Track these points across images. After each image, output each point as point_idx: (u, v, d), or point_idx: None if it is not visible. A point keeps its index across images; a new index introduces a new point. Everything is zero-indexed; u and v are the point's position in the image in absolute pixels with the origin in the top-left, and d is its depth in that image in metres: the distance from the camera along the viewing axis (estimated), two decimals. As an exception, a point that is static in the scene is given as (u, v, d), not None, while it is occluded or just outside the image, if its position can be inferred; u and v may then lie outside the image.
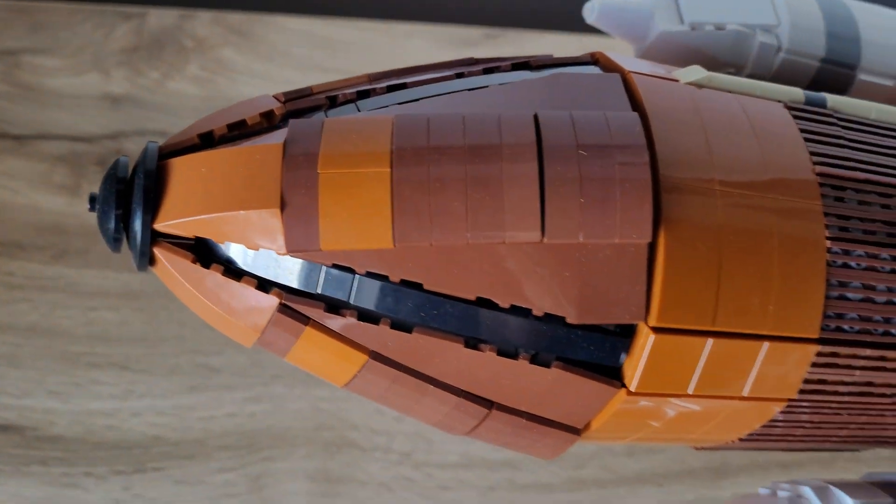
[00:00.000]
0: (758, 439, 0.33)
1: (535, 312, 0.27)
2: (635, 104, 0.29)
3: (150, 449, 0.57)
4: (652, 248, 0.27)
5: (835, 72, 0.40)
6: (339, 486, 0.58)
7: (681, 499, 0.61)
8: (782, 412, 0.31)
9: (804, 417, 0.32)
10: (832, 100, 0.33)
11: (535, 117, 0.27)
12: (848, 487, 0.34)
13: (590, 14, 0.38)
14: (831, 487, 0.34)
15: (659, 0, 0.39)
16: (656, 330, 0.27)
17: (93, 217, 0.61)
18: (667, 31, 0.38)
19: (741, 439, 0.33)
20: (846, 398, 0.31)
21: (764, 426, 0.32)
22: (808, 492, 0.34)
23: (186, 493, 0.57)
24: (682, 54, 0.37)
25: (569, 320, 0.27)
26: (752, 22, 0.39)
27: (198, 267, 0.27)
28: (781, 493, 0.35)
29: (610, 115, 0.27)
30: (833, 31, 0.40)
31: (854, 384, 0.31)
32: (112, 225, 0.28)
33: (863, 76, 0.40)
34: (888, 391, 0.32)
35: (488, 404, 0.29)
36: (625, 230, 0.26)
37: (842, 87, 0.40)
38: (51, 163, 0.63)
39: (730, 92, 0.31)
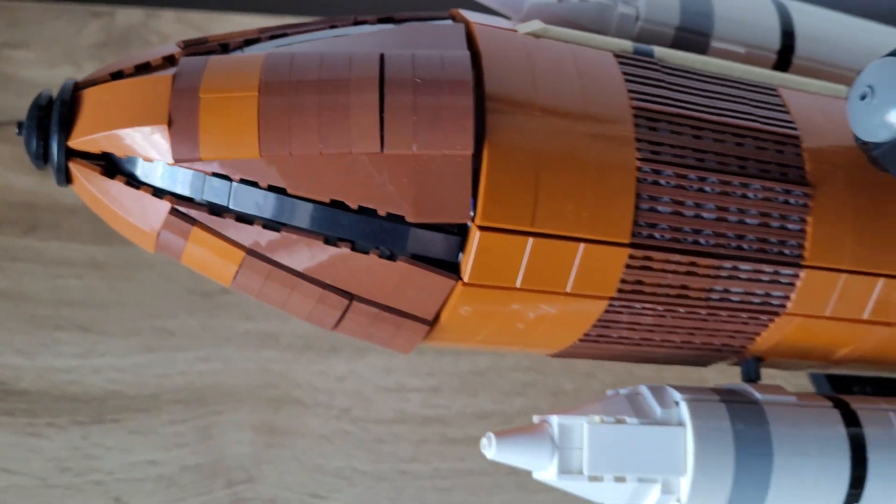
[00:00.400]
0: (599, 340, 0.38)
1: (380, 212, 0.32)
2: (474, 48, 0.34)
3: (108, 402, 0.62)
4: (478, 159, 0.32)
5: (690, 39, 0.45)
6: (281, 438, 0.63)
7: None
8: (610, 311, 0.36)
9: (634, 319, 0.37)
10: (660, 51, 0.38)
11: (381, 56, 0.32)
12: (680, 387, 0.39)
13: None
14: (665, 386, 0.39)
15: (532, -24, 0.45)
16: (482, 228, 0.32)
17: (62, 194, 0.66)
18: (537, 3, 0.44)
19: (582, 340, 0.38)
20: (666, 300, 0.36)
21: (599, 327, 0.37)
22: (644, 389, 0.39)
23: (140, 442, 0.62)
24: (551, 24, 0.43)
25: (407, 219, 0.32)
26: None
27: (105, 178, 0.33)
28: (622, 391, 0.40)
29: (445, 54, 0.33)
30: (686, 4, 0.46)
31: (670, 286, 0.36)
32: (34, 145, 0.33)
33: (716, 43, 0.46)
34: (703, 295, 0.37)
35: (348, 296, 0.34)
36: (450, 143, 0.31)
37: (698, 52, 0.46)
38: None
39: (565, 42, 0.37)
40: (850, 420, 0.41)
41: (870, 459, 0.40)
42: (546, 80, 0.34)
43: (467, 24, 0.35)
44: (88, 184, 0.33)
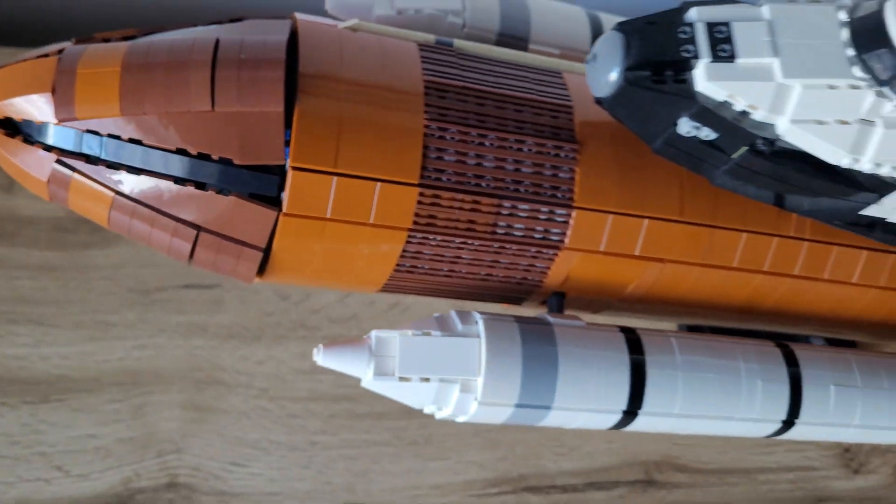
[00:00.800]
0: (413, 271, 0.46)
1: (213, 157, 0.41)
2: (295, 37, 0.44)
3: (55, 385, 0.71)
4: (292, 116, 0.41)
5: (510, 42, 0.55)
6: (206, 415, 0.71)
7: (493, 426, 0.73)
8: (411, 242, 0.44)
9: (436, 251, 0.45)
10: (458, 43, 0.48)
11: (217, 40, 0.42)
12: (484, 312, 0.47)
13: (328, 4, 0.54)
14: (472, 311, 0.48)
15: (379, -8, 0.55)
16: (294, 168, 0.41)
17: (21, 207, 0.76)
18: (380, 14, 0.54)
19: (397, 271, 0.46)
20: (458, 232, 0.45)
21: (407, 257, 0.45)
22: (452, 312, 0.48)
23: (81, 419, 0.70)
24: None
25: (235, 161, 0.41)
26: (443, 7, 0.55)
27: (5, 137, 0.42)
28: (436, 315, 0.48)
29: (268, 38, 0.42)
30: (506, 14, 0.56)
31: (459, 221, 0.45)
32: None
33: (533, 46, 0.56)
34: (489, 230, 0.45)
35: (196, 227, 0.43)
36: (265, 103, 0.40)
37: (517, 52, 0.55)
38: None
39: (378, 35, 0.47)
40: (635, 345, 0.49)
41: (648, 374, 0.48)
42: (352, 59, 0.44)
43: (294, 20, 0.45)
44: None
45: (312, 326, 0.75)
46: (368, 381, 0.45)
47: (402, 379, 0.45)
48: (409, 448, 0.71)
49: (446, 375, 0.45)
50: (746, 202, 0.48)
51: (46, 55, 0.43)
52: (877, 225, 0.47)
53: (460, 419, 0.47)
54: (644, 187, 0.47)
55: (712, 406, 0.49)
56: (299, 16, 0.46)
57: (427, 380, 0.45)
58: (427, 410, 0.47)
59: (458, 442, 0.72)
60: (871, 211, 0.46)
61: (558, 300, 0.50)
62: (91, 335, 0.72)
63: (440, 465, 0.71)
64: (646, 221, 0.47)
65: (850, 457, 0.76)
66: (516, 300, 0.51)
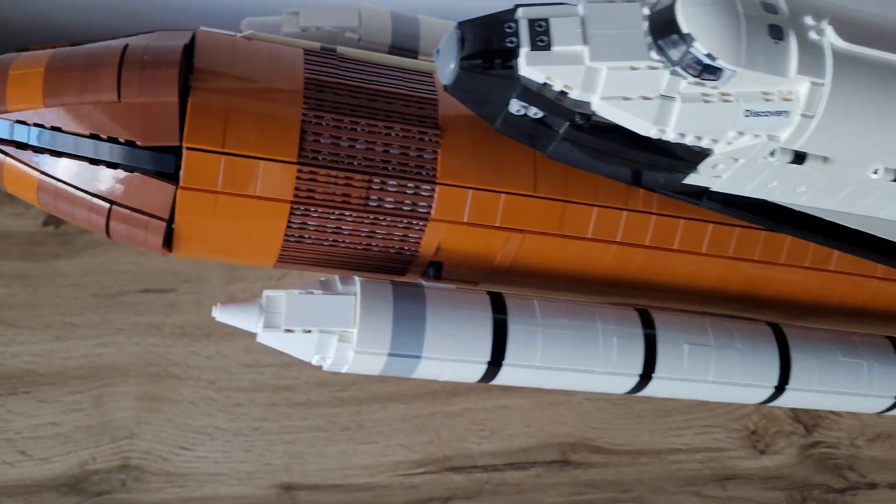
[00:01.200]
0: (300, 242, 0.54)
1: (120, 139, 0.49)
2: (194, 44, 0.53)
3: (23, 378, 0.78)
4: (185, 105, 0.50)
5: (402, 54, 0.64)
6: (158, 404, 0.78)
7: (420, 412, 0.80)
8: (295, 214, 0.52)
9: (319, 222, 0.52)
10: (342, 49, 0.56)
11: (126, 45, 0.51)
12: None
13: (243, 24, 0.63)
14: (354, 276, 0.55)
15: (286, 16, 0.64)
16: (186, 148, 0.49)
17: (-2, 222, 0.84)
18: (287, 31, 0.63)
19: (287, 241, 0.53)
20: (335, 205, 0.52)
21: (294, 228, 0.53)
22: (335, 277, 0.55)
23: (44, 409, 0.77)
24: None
25: (139, 143, 0.49)
26: (342, 25, 0.63)
27: None
28: (322, 279, 0.55)
29: (169, 44, 0.51)
30: (397, 30, 0.64)
31: (335, 195, 0.52)
32: None
33: (422, 57, 0.64)
34: (362, 203, 0.53)
35: (109, 202, 0.51)
36: (162, 95, 0.49)
37: (411, 65, 0.64)
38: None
39: (270, 43, 0.55)
40: (499, 305, 0.56)
41: (509, 329, 0.55)
42: (242, 61, 0.52)
43: (196, 31, 0.53)
44: None
45: (258, 325, 0.82)
46: (260, 334, 0.53)
47: (287, 331, 0.52)
48: (341, 433, 0.78)
49: (325, 327, 0.52)
50: (597, 180, 0.55)
51: None
52: (703, 194, 0.54)
53: (343, 369, 0.54)
54: (501, 166, 0.55)
55: (570, 359, 0.56)
56: (203, 28, 0.54)
57: (309, 332, 0.52)
58: (314, 362, 0.54)
59: (386, 427, 0.78)
60: (692, 180, 0.53)
61: (435, 269, 0.57)
62: (57, 335, 0.80)
63: (370, 448, 0.77)
64: (503, 196, 0.55)
65: (757, 438, 0.81)
66: (400, 271, 0.58)
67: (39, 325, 0.80)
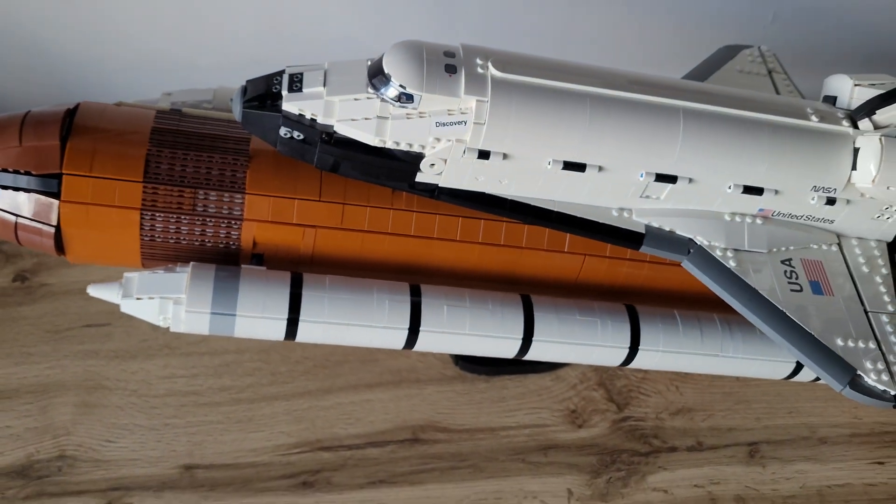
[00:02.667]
0: (153, 241, 0.75)
1: (21, 171, 0.72)
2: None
3: None
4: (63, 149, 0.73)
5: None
6: (91, 409, 0.98)
7: (300, 407, 0.98)
8: (145, 219, 0.73)
9: (162, 225, 0.74)
10: (185, 109, 0.80)
11: (28, 111, 0.74)
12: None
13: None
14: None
15: (163, 96, 0.88)
16: (64, 173, 0.72)
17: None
18: (161, 105, 0.87)
19: (144, 241, 0.75)
20: (174, 210, 0.73)
21: (146, 231, 0.74)
22: (179, 265, 0.76)
23: (2, 416, 0.97)
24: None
25: (34, 172, 0.71)
26: (201, 99, 0.87)
27: None
28: (168, 266, 0.76)
29: (59, 107, 0.75)
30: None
31: (171, 203, 0.74)
32: None
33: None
34: (191, 208, 0.74)
35: (14, 215, 0.72)
36: (49, 139, 0.72)
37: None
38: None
39: (135, 107, 0.79)
40: (297, 279, 0.76)
41: (303, 295, 0.75)
42: (109, 118, 0.76)
43: (80, 102, 0.78)
44: None
45: (174, 347, 1.02)
46: (121, 302, 0.74)
47: (137, 299, 0.73)
48: (235, 425, 0.97)
49: (165, 294, 0.73)
50: (370, 187, 0.77)
51: None
52: (435, 190, 0.75)
53: (181, 328, 0.74)
54: (294, 180, 0.77)
55: (351, 315, 0.76)
56: (86, 100, 0.78)
57: (153, 298, 0.73)
58: (161, 323, 0.75)
59: (272, 420, 0.97)
60: (422, 178, 0.74)
61: (256, 259, 0.78)
62: (16, 361, 1.01)
63: (258, 435, 0.96)
64: (296, 201, 0.77)
65: (576, 416, 0.99)
66: (234, 263, 0.79)
67: (2, 355, 1.01)
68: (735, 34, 1.17)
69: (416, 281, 0.82)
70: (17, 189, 0.73)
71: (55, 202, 0.73)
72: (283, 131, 0.71)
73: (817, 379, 0.91)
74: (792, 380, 0.92)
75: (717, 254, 0.78)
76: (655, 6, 1.24)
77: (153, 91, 0.94)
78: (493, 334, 0.79)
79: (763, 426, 0.99)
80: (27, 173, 0.73)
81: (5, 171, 0.73)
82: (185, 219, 0.75)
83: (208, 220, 0.76)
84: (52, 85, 1.25)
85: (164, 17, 1.24)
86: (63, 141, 0.73)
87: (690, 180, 0.75)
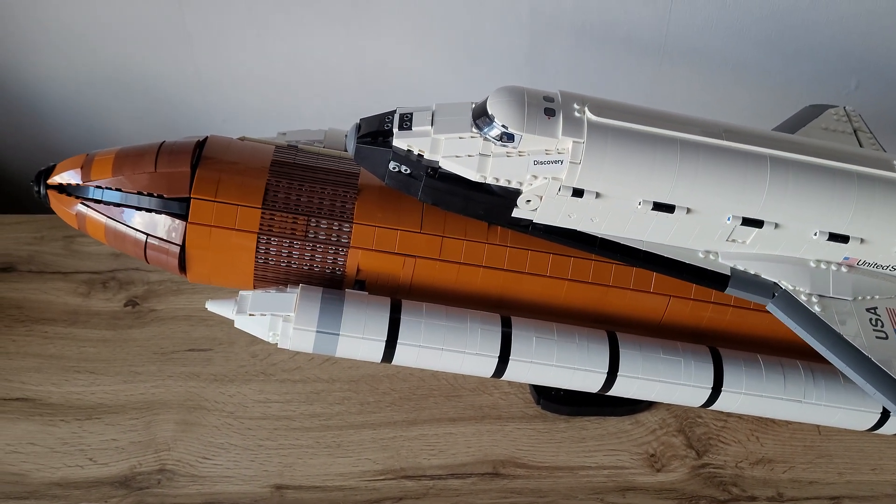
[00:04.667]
0: (266, 263, 0.80)
1: (154, 194, 0.79)
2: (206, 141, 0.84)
3: (97, 409, 1.03)
4: (192, 176, 0.80)
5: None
6: (191, 427, 1.03)
7: (386, 436, 1.02)
8: (261, 242, 0.79)
9: (278, 248, 0.80)
10: (302, 146, 0.86)
11: (164, 142, 0.82)
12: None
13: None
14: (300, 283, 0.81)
15: (279, 135, 0.95)
16: (193, 198, 0.79)
17: (94, 304, 1.16)
18: (280, 143, 0.94)
19: (258, 263, 0.81)
20: (287, 234, 0.79)
21: (261, 254, 0.80)
22: (289, 286, 0.81)
23: (110, 429, 1.02)
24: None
25: (165, 196, 0.78)
26: (313, 138, 0.94)
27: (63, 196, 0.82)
28: (280, 287, 0.82)
29: (190, 139, 0.82)
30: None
31: (286, 227, 0.79)
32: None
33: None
34: (302, 234, 0.80)
35: (146, 234, 0.80)
36: (180, 167, 0.79)
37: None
38: None
39: (256, 142, 0.86)
40: (396, 305, 0.81)
41: (402, 321, 0.80)
42: (233, 151, 0.83)
43: (209, 136, 0.85)
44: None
45: (270, 374, 1.08)
46: (235, 318, 0.80)
47: (250, 315, 0.79)
48: (324, 450, 1.01)
49: (275, 311, 0.79)
50: (467, 221, 0.82)
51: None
52: (529, 226, 0.80)
53: (287, 344, 0.80)
54: (398, 212, 0.83)
55: (444, 341, 0.80)
56: (213, 134, 0.86)
57: (264, 315, 0.79)
58: (270, 339, 0.80)
59: (359, 446, 1.01)
60: (517, 213, 0.79)
61: (359, 285, 0.83)
62: (125, 379, 1.08)
63: (345, 461, 1.00)
64: (399, 232, 0.82)
65: (655, 460, 1.00)
66: (338, 288, 0.85)
67: (112, 373, 1.09)
68: (817, 99, 1.20)
69: (507, 313, 0.86)
70: (149, 210, 0.80)
71: (183, 223, 0.80)
72: (392, 165, 0.77)
73: (901, 432, 0.91)
74: (877, 432, 0.92)
75: (802, 298, 0.80)
76: (742, 68, 1.29)
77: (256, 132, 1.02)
78: (580, 367, 0.82)
79: (846, 481, 0.99)
80: (160, 196, 0.80)
81: (140, 193, 0.80)
82: (297, 244, 0.81)
83: (318, 245, 0.82)
84: (165, 123, 1.36)
85: (274, 72, 1.34)
86: (193, 169, 0.80)
87: (776, 226, 0.78)
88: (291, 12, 1.27)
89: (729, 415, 1.04)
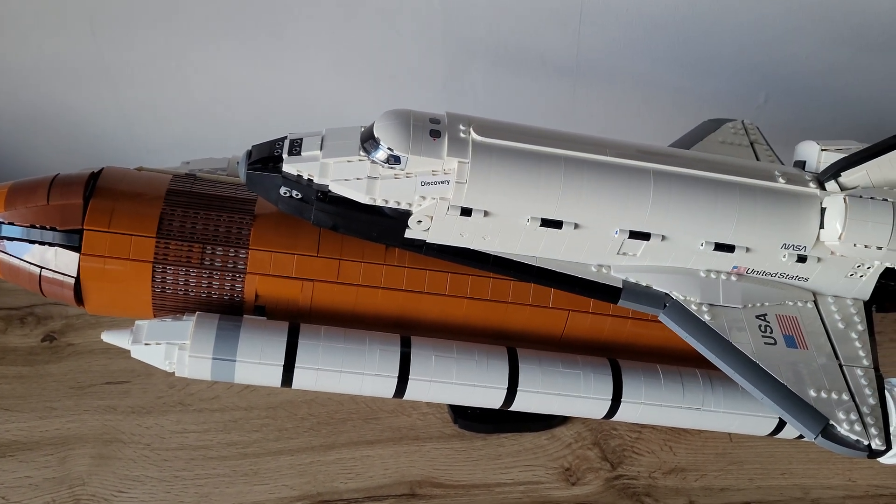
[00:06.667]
0: (164, 292, 0.81)
1: (47, 226, 0.79)
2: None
3: (10, 446, 1.02)
4: (85, 208, 0.80)
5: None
6: (106, 461, 1.02)
7: (303, 461, 1.02)
8: (157, 271, 0.79)
9: (172, 277, 0.80)
10: (199, 173, 0.87)
11: (58, 174, 0.82)
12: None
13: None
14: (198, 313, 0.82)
15: (182, 164, 0.95)
16: (85, 228, 0.79)
17: (10, 340, 1.15)
18: (179, 172, 0.94)
19: (155, 292, 0.81)
20: (183, 262, 0.79)
21: (157, 283, 0.80)
22: (186, 314, 0.81)
23: (23, 466, 1.01)
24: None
25: (59, 228, 0.79)
26: (216, 167, 0.94)
27: None
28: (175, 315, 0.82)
29: (83, 171, 0.82)
30: None
31: (181, 255, 0.80)
32: None
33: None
34: (198, 261, 0.81)
35: (39, 267, 0.79)
36: (73, 199, 0.79)
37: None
38: None
39: (154, 172, 0.86)
40: (294, 329, 0.82)
41: (299, 343, 0.80)
42: (128, 181, 0.83)
43: (104, 167, 0.85)
44: None
45: (187, 404, 1.08)
46: (131, 348, 0.80)
47: (146, 344, 0.79)
48: (241, 478, 1.01)
49: (171, 340, 0.79)
50: (364, 244, 0.83)
51: None
52: (423, 245, 0.81)
53: (185, 373, 0.80)
54: (294, 237, 0.83)
55: (343, 363, 0.81)
56: (109, 165, 0.86)
57: (160, 344, 0.79)
58: (167, 368, 0.80)
59: (276, 473, 1.01)
60: (410, 234, 0.80)
61: (258, 311, 0.84)
62: (40, 415, 1.06)
63: (262, 487, 1.00)
64: (295, 256, 0.83)
65: (570, 473, 1.01)
66: (238, 314, 0.85)
67: (27, 409, 1.07)
68: (728, 114, 1.23)
69: (408, 334, 0.86)
70: (42, 243, 0.80)
71: (76, 255, 0.80)
72: (283, 190, 0.78)
73: (801, 436, 0.93)
74: (778, 437, 0.94)
75: (693, 308, 0.82)
76: (655, 85, 1.31)
77: (175, 162, 1.02)
78: (479, 384, 0.83)
79: (756, 486, 1.01)
80: (52, 229, 0.80)
81: (33, 226, 0.80)
82: (193, 272, 0.82)
83: (215, 272, 0.82)
84: (90, 157, 1.36)
85: (196, 102, 1.34)
86: (86, 200, 0.81)
87: (664, 238, 0.80)
88: (207, 43, 1.28)
89: (643, 426, 1.05)
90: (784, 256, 0.83)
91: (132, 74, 1.31)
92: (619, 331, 0.89)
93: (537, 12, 1.24)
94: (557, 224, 0.78)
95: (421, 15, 1.25)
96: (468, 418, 1.02)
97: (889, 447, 0.77)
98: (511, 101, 1.36)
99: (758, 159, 1.00)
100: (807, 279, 0.85)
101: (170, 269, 0.81)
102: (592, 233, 0.79)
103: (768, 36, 1.28)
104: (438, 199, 0.77)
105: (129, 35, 1.26)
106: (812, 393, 0.78)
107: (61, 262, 0.80)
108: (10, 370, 1.11)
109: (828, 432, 0.77)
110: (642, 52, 1.28)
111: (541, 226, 0.78)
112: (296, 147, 0.78)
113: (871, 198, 0.81)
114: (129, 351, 0.84)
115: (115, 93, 1.33)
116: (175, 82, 1.33)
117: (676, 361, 0.91)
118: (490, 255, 0.81)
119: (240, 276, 0.82)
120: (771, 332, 0.82)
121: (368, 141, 0.77)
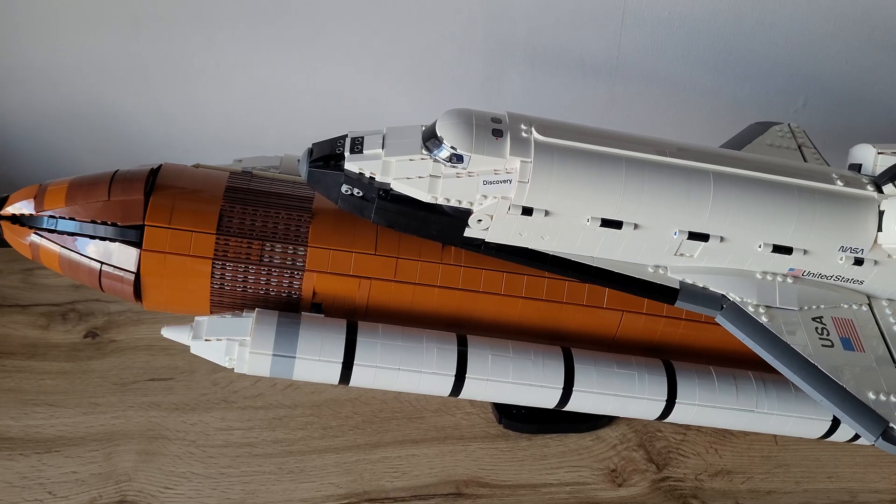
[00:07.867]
0: (222, 288, 0.81)
1: (108, 222, 0.79)
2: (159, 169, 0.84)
3: (56, 441, 1.02)
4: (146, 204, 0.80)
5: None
6: (152, 457, 1.02)
7: (349, 460, 1.02)
8: (216, 267, 0.79)
9: (234, 274, 0.80)
10: (255, 171, 0.87)
11: (117, 170, 0.83)
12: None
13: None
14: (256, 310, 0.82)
15: (235, 162, 0.96)
16: (146, 224, 0.79)
17: (53, 336, 1.15)
18: (235, 169, 0.95)
19: (213, 289, 0.81)
20: (243, 259, 0.80)
21: (216, 279, 0.80)
22: (244, 311, 0.82)
23: (69, 462, 1.01)
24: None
25: (119, 224, 0.79)
26: (269, 164, 0.95)
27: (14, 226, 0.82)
28: (234, 312, 0.82)
29: (143, 167, 0.83)
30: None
31: (242, 252, 0.80)
32: None
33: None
34: (257, 258, 0.81)
35: (100, 262, 0.79)
36: (133, 195, 0.79)
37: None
38: None
39: (210, 169, 0.86)
40: (352, 327, 0.82)
41: (358, 342, 0.80)
42: (187, 178, 0.84)
43: (162, 164, 0.86)
44: None
45: (232, 401, 1.08)
46: (191, 344, 0.80)
47: (206, 340, 0.79)
48: (287, 475, 1.01)
49: (231, 336, 0.79)
50: (421, 242, 0.83)
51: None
52: (481, 245, 0.81)
53: (244, 369, 0.80)
54: (352, 235, 0.83)
55: (401, 361, 0.81)
56: (167, 162, 0.87)
57: (220, 340, 0.79)
58: (227, 364, 0.80)
59: (322, 471, 1.01)
60: (469, 233, 0.80)
61: (315, 308, 0.84)
62: (84, 411, 1.07)
63: (308, 485, 1.00)
64: (353, 254, 0.83)
65: (616, 475, 1.01)
66: (295, 311, 0.85)
67: (72, 405, 1.08)
68: (768, 117, 1.23)
69: (463, 332, 0.87)
70: (103, 238, 0.80)
71: (136, 251, 0.80)
72: (344, 188, 0.78)
73: (853, 439, 0.93)
74: (829, 439, 0.94)
75: (750, 310, 0.82)
76: (693, 88, 1.32)
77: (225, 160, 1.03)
78: (535, 383, 0.83)
79: (803, 489, 1.01)
80: (113, 224, 0.80)
81: (94, 222, 0.80)
82: (252, 268, 0.82)
83: (273, 269, 0.82)
84: (126, 155, 1.36)
85: (234, 101, 1.35)
86: (146, 196, 0.81)
87: (722, 239, 0.80)
88: (249, 42, 1.28)
89: (688, 428, 1.05)
90: (841, 259, 0.83)
91: (171, 74, 1.32)
92: (672, 332, 0.89)
93: (579, 13, 1.25)
94: (617, 224, 0.78)
95: (462, 16, 1.25)
96: (513, 418, 1.02)
97: (947, 450, 0.77)
98: (547, 102, 1.36)
99: (805, 162, 1.00)
100: (862, 282, 0.85)
101: (229, 265, 0.82)
102: (652, 233, 0.79)
103: (807, 39, 1.28)
104: (500, 198, 0.77)
105: (170, 35, 1.27)
106: (871, 395, 0.78)
107: (122, 257, 0.81)
108: (53, 366, 1.12)
109: (888, 434, 0.77)
110: (682, 54, 1.28)
111: (601, 226, 0.78)
112: (357, 145, 0.78)
113: None
114: (171, 348, 0.84)
115: (152, 91, 1.34)
116: (214, 81, 1.33)
117: (727, 363, 0.92)
118: (548, 254, 0.81)
119: (298, 274, 0.83)
120: (828, 335, 0.82)
121: (431, 140, 0.77)
